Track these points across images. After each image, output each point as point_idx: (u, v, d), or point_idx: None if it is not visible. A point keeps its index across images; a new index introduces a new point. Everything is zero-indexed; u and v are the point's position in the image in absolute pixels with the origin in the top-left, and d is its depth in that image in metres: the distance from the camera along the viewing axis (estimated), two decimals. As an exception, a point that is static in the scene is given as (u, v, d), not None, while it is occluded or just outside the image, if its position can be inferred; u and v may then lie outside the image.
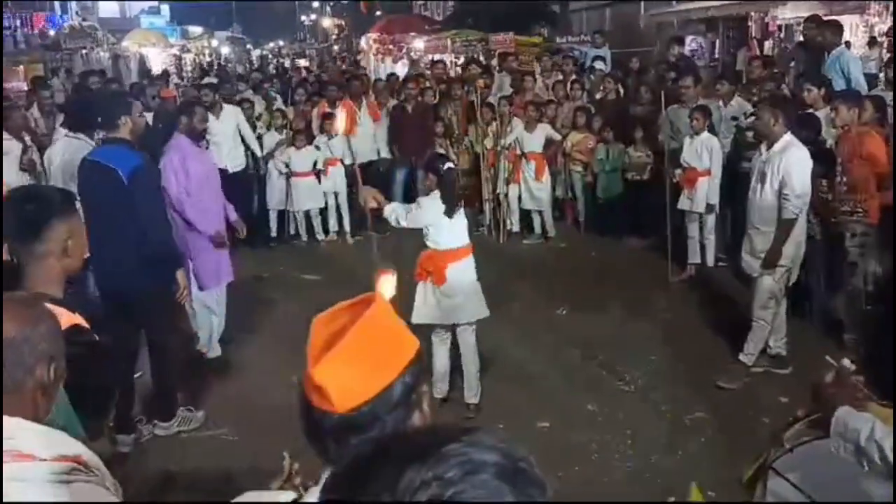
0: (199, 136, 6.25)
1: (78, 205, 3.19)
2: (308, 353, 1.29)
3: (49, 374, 1.70)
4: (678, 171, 7.65)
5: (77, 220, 2.75)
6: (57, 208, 2.64)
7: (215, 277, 6.02)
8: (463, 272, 5.10)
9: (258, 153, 9.40)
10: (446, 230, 5.02)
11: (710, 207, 7.52)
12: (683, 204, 7.66)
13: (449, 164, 5.19)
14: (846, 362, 2.17)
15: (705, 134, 7.44)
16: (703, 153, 7.43)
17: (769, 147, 5.34)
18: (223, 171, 9.10)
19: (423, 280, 5.10)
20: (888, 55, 12.97)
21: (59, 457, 1.53)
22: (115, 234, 4.56)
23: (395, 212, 5.00)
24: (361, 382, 1.28)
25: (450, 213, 5.00)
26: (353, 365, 1.27)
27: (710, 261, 7.76)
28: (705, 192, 7.47)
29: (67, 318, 2.32)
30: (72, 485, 1.49)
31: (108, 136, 4.90)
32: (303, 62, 27.86)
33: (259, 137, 9.53)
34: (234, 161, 9.25)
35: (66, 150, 5.94)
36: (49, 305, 1.94)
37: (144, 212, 4.61)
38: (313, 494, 1.42)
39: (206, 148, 7.51)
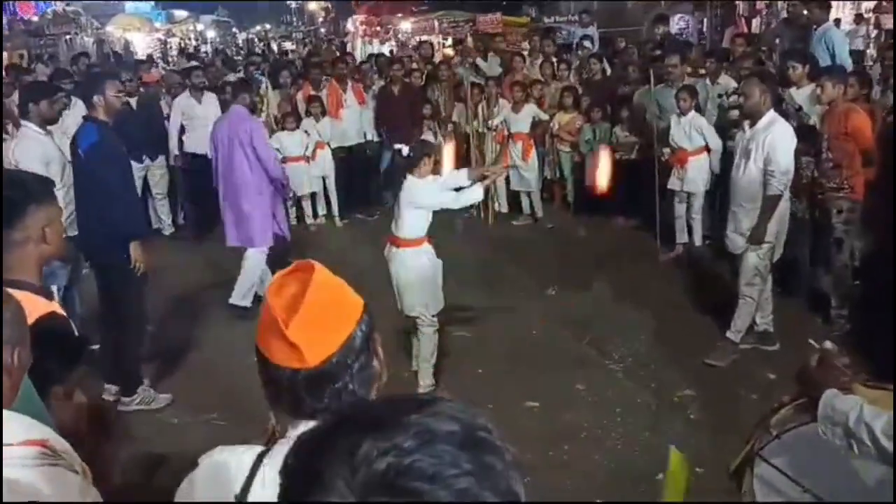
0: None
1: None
2: (269, 319, 1.38)
3: (14, 359, 1.69)
4: (666, 151, 7.65)
5: (55, 207, 2.75)
6: (35, 195, 2.64)
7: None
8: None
9: None
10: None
11: (707, 182, 7.54)
12: (673, 184, 7.67)
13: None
14: (829, 344, 2.16)
15: (692, 114, 7.43)
16: (693, 133, 7.43)
17: (753, 124, 5.34)
18: (203, 157, 9.10)
19: None
20: (875, 31, 13.02)
21: (25, 441, 1.52)
22: (79, 206, 5.04)
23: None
24: (327, 336, 1.40)
25: None
26: (318, 321, 1.39)
27: (698, 240, 7.78)
28: (696, 171, 7.48)
29: (43, 305, 2.31)
30: (39, 468, 1.48)
31: (88, 114, 5.19)
32: (288, 45, 27.63)
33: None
34: None
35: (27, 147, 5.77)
36: (25, 293, 1.93)
37: (101, 185, 4.93)
38: (283, 446, 1.47)
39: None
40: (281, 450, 1.44)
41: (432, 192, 5.05)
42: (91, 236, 5.10)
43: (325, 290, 1.42)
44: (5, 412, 1.59)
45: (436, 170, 5.25)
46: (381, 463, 0.75)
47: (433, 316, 5.25)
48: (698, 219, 7.72)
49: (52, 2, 23.15)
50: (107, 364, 5.30)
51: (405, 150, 5.20)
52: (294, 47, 26.09)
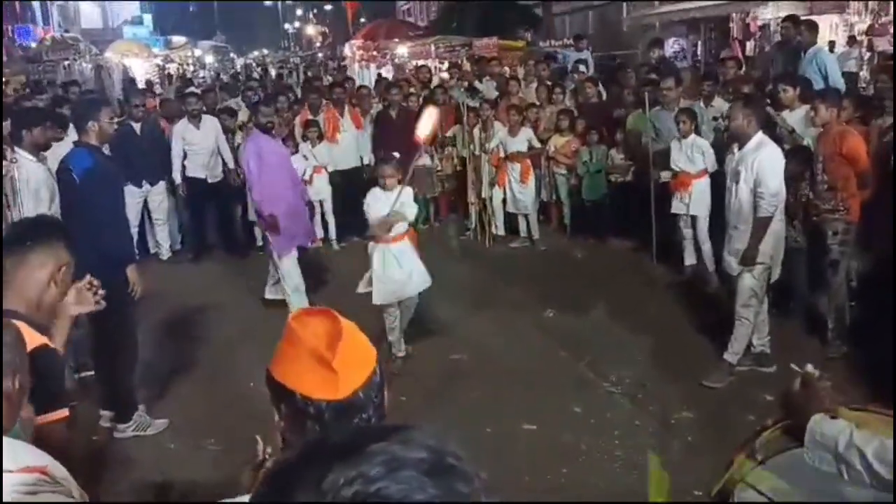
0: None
1: None
2: (300, 350, 1.45)
3: (14, 385, 1.70)
4: (665, 174, 7.65)
5: (69, 255, 2.82)
6: (56, 237, 2.76)
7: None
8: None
9: (230, 163, 9.39)
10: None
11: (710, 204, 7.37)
12: (678, 208, 7.56)
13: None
14: (810, 368, 2.14)
15: (692, 136, 7.39)
16: (695, 156, 7.37)
17: (741, 147, 5.38)
18: (202, 181, 9.14)
19: None
20: (867, 53, 13.14)
21: (24, 468, 1.52)
22: (74, 230, 4.83)
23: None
24: (359, 369, 1.49)
25: None
26: (354, 355, 1.49)
27: (710, 264, 7.39)
28: (699, 194, 7.37)
29: (37, 338, 2.34)
30: (37, 495, 1.49)
31: (79, 139, 5.15)
32: (283, 72, 27.77)
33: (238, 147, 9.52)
34: (214, 171, 9.28)
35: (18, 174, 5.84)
36: (21, 323, 1.95)
37: (95, 210, 4.92)
38: None
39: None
40: None
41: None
42: (82, 261, 5.05)
43: (352, 329, 1.51)
44: (5, 439, 1.59)
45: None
46: (347, 491, 0.76)
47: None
48: (707, 242, 7.44)
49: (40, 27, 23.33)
50: (102, 391, 5.29)
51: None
52: (288, 72, 26.11)
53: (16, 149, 5.71)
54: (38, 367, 1.96)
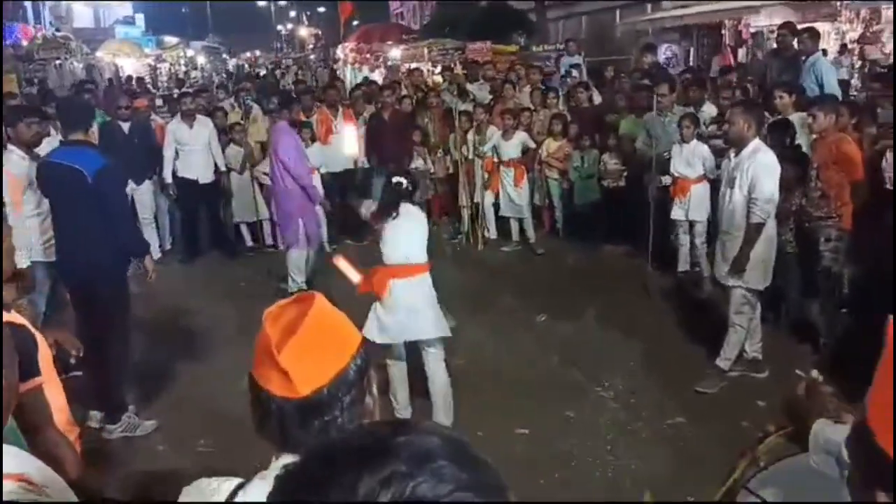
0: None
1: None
2: (264, 344, 1.38)
3: None
4: (664, 178, 7.65)
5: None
6: None
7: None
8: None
9: (221, 166, 9.37)
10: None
11: (709, 209, 7.32)
12: (677, 214, 7.54)
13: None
14: (815, 373, 2.13)
15: (694, 142, 7.36)
16: (695, 161, 7.35)
17: (737, 153, 5.39)
18: (193, 182, 9.10)
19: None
20: (859, 62, 13.20)
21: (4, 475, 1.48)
22: (79, 230, 4.99)
23: None
24: (321, 365, 1.39)
25: None
26: (312, 350, 1.38)
27: (706, 270, 7.29)
28: (698, 200, 7.34)
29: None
30: None
31: (70, 138, 5.14)
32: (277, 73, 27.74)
33: (229, 142, 9.49)
34: (206, 172, 9.23)
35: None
36: None
37: (111, 209, 4.97)
38: (261, 479, 1.46)
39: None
40: (259, 483, 1.44)
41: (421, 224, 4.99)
42: (81, 261, 5.06)
43: (323, 320, 1.41)
44: None
45: None
46: (385, 496, 0.74)
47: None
48: (705, 247, 7.40)
49: (29, 25, 23.23)
50: (91, 391, 5.25)
51: (404, 182, 4.91)
52: (281, 74, 26.06)
53: (9, 146, 5.68)
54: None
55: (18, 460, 1.56)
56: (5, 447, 1.57)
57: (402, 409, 5.17)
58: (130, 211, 5.57)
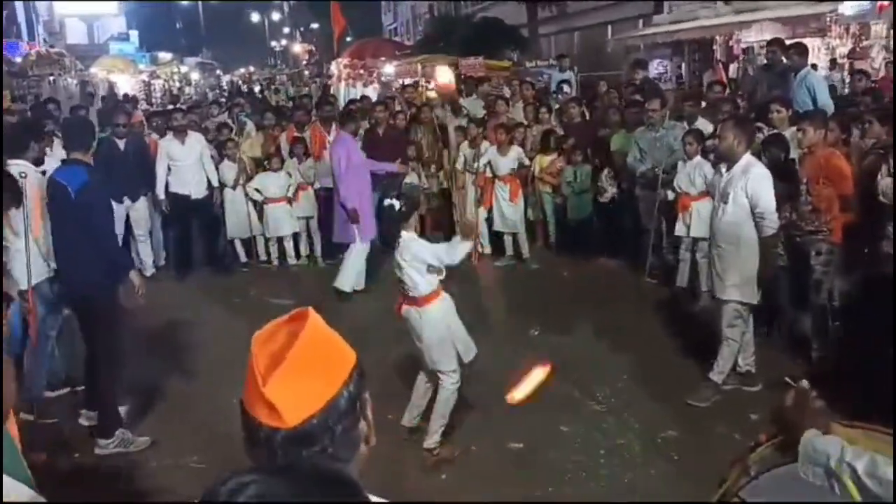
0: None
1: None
2: (252, 371, 1.31)
3: None
4: (668, 193, 7.66)
5: None
6: None
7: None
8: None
9: (214, 182, 9.38)
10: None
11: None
12: (680, 230, 7.53)
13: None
14: (805, 384, 2.15)
15: (698, 158, 7.36)
16: (697, 178, 7.34)
17: (729, 167, 5.42)
18: (186, 197, 9.11)
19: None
20: (848, 77, 13.31)
21: None
22: (68, 245, 5.08)
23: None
24: (310, 395, 1.31)
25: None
26: (300, 379, 1.31)
27: (705, 284, 7.04)
28: (700, 216, 7.18)
29: None
30: None
31: (70, 156, 5.22)
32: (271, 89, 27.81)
33: (223, 157, 9.50)
34: (199, 187, 9.24)
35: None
36: None
37: (94, 223, 5.05)
38: None
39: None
40: None
41: (427, 246, 4.89)
42: (73, 276, 5.14)
43: (314, 344, 1.35)
44: None
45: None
46: None
47: (465, 364, 5.04)
48: (705, 262, 7.09)
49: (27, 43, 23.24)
50: (91, 405, 5.28)
51: (396, 205, 4.86)
52: (275, 90, 26.11)
53: (19, 161, 5.69)
54: None
55: (16, 490, 1.57)
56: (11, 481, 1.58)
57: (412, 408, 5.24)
58: (114, 227, 5.52)
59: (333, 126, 9.99)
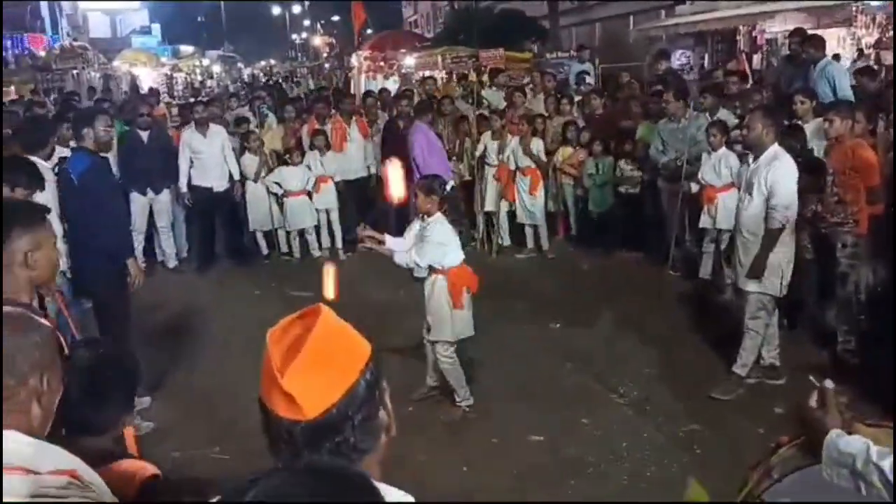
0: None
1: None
2: (268, 367, 1.32)
3: (43, 385, 1.66)
4: (693, 185, 7.59)
5: (44, 232, 2.76)
6: (19, 220, 2.68)
7: None
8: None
9: (236, 175, 9.38)
10: (454, 248, 5.31)
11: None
12: (705, 223, 7.49)
13: (451, 184, 5.41)
14: (829, 383, 2.10)
15: (723, 150, 7.29)
16: (722, 169, 7.27)
17: (756, 158, 5.35)
18: (208, 190, 9.14)
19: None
20: (875, 66, 13.11)
21: (54, 471, 1.50)
22: (75, 231, 5.20)
23: (404, 257, 5.23)
24: (328, 386, 1.32)
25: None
26: (317, 370, 1.32)
27: (730, 277, 6.96)
28: (725, 208, 7.11)
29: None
30: (67, 500, 1.46)
31: (77, 145, 5.40)
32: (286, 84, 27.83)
33: (245, 150, 9.51)
34: (221, 180, 9.27)
35: None
36: (19, 310, 1.92)
37: (95, 208, 5.13)
38: None
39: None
40: None
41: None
42: (80, 263, 5.30)
43: (328, 338, 1.35)
44: (33, 440, 1.56)
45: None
46: None
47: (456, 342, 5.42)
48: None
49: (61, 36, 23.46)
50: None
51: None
52: (296, 82, 26.14)
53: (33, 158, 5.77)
54: None
55: (69, 459, 1.58)
56: (51, 446, 1.60)
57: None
58: (117, 213, 5.60)
59: (354, 118, 10.01)
